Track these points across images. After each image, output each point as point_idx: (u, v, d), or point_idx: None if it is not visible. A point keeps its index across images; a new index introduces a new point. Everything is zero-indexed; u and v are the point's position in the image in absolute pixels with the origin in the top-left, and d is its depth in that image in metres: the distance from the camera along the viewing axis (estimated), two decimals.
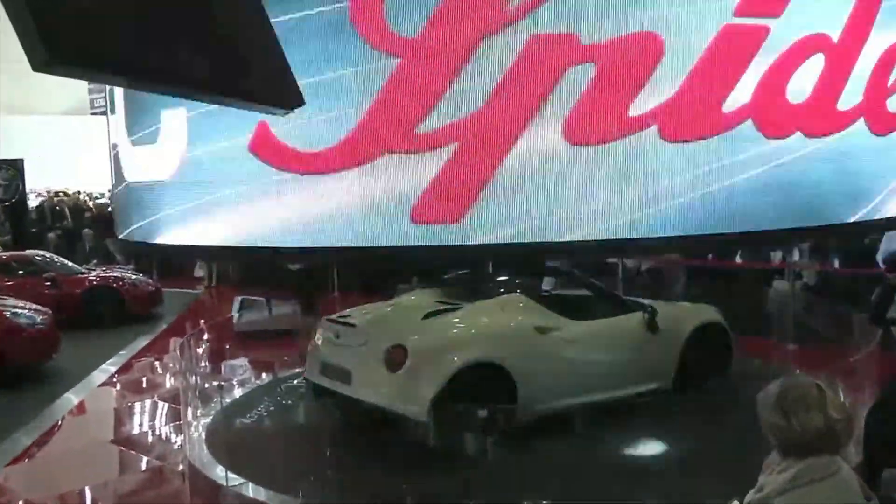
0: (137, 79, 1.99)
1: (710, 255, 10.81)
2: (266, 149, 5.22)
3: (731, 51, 5.10)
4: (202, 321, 12.37)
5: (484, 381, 6.10)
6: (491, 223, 5.01)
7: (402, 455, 6.03)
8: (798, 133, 5.42)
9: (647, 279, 11.12)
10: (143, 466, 6.95)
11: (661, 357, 7.24)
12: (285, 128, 5.11)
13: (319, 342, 6.94)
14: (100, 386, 9.51)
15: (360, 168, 5.01)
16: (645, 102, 4.98)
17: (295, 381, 8.26)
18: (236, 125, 5.29)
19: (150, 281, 14.15)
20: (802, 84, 5.39)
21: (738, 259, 10.36)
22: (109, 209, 17.81)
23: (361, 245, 5.10)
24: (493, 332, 6.47)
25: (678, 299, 9.82)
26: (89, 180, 26.85)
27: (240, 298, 12.27)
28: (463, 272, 7.91)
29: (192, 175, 5.66)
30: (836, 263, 10.49)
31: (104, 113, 7.45)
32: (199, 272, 17.36)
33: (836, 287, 10.26)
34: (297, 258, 8.57)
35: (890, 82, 5.91)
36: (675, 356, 7.30)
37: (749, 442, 2.98)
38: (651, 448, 6.40)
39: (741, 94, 5.17)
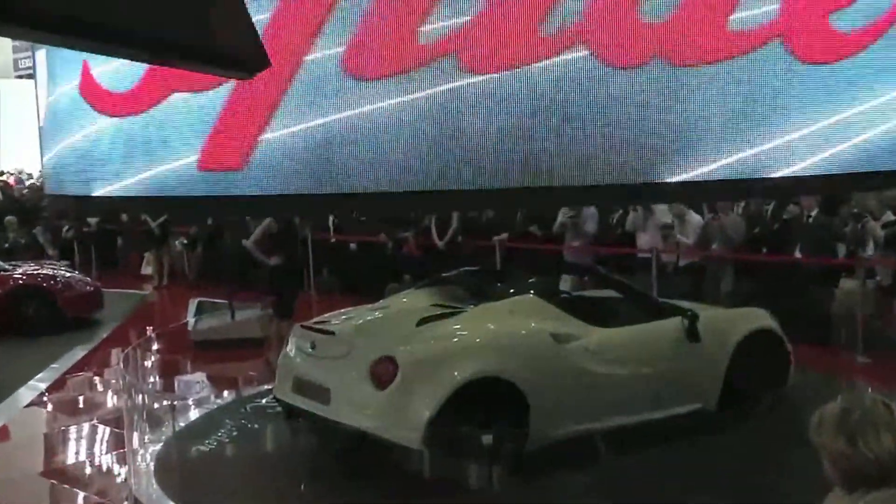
0: (81, 38, 2.00)
1: (763, 249, 10.83)
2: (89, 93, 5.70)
3: None
4: (151, 328, 12.41)
5: (489, 400, 6.12)
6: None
7: (392, 489, 6.05)
8: None
9: (686, 277, 11.14)
10: (80, 503, 6.97)
11: (702, 372, 7.26)
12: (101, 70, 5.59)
13: (292, 353, 6.95)
14: (27, 406, 9.52)
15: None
16: None
17: (263, 401, 8.28)
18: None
19: (89, 280, 14.16)
20: None
21: (797, 253, 10.37)
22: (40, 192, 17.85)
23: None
24: (501, 341, 6.49)
25: (724, 302, 9.84)
26: (13, 156, 26.84)
27: (196, 301, 12.29)
28: (466, 269, 7.93)
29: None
30: None
31: (31, 76, 7.52)
32: (147, 269, 17.40)
33: None
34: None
35: None
36: (720, 371, 7.32)
37: (811, 473, 3.00)
38: (689, 483, 6.42)
39: None
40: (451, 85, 5.35)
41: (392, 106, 5.35)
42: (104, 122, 6.20)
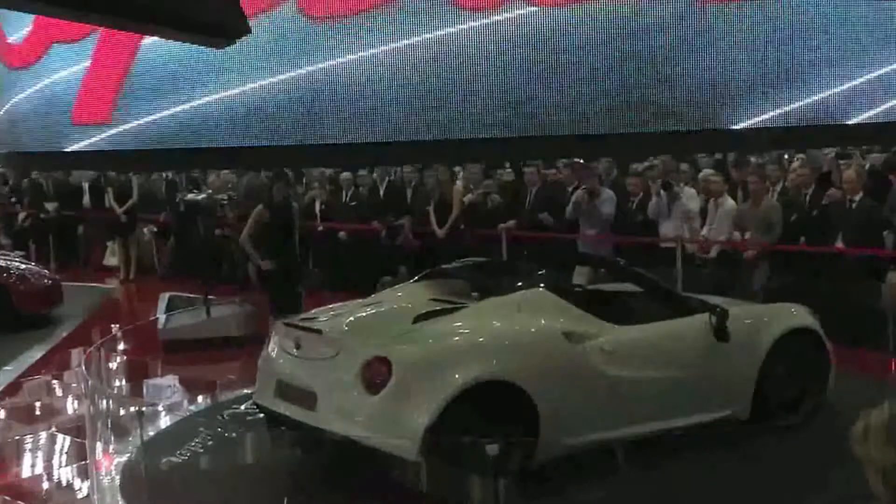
0: (66, 6, 2.01)
1: (801, 238, 10.83)
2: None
3: None
4: (116, 326, 12.42)
5: (494, 407, 6.13)
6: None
7: None
8: None
9: (715, 270, 11.15)
10: None
11: (733, 375, 7.28)
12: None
13: (274, 354, 6.97)
14: None
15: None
16: None
17: (242, 407, 8.30)
18: None
19: (46, 272, 14.17)
20: None
21: (838, 243, 10.37)
22: None
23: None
24: (507, 341, 6.51)
25: (758, 297, 9.86)
26: None
27: (167, 296, 12.30)
28: (468, 261, 7.94)
29: None
30: None
31: None
32: (112, 260, 17.38)
33: None
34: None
35: None
36: (753, 374, 7.34)
37: (856, 488, 3.00)
38: (716, 501, 6.43)
39: None
40: (437, 33, 5.43)
41: (374, 55, 5.44)
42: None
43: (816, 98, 5.97)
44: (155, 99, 7.14)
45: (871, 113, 6.11)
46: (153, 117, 6.28)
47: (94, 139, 7.83)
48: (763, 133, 5.89)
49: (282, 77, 5.75)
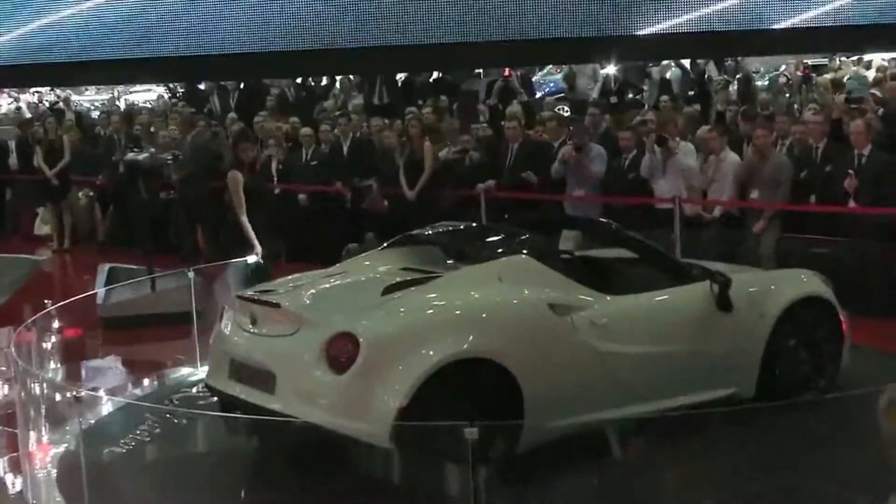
0: None
1: (812, 198, 10.88)
2: None
3: None
4: (49, 302, 12.35)
5: (473, 387, 6.16)
6: None
7: (353, 496, 6.10)
8: None
9: (717, 232, 11.20)
10: None
11: (736, 349, 7.34)
12: None
13: (228, 331, 6.97)
14: None
15: None
16: None
17: (193, 390, 8.30)
18: None
19: None
20: None
21: (851, 203, 10.42)
22: None
23: None
24: (487, 314, 6.54)
25: (765, 263, 9.91)
26: None
27: (106, 267, 12.27)
28: (443, 225, 7.93)
29: None
30: None
31: None
32: (44, 228, 17.27)
33: None
34: None
35: None
36: (758, 347, 7.40)
37: (873, 474, 3.04)
38: (719, 485, 6.49)
39: None
40: None
41: None
42: None
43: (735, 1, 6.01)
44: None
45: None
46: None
47: None
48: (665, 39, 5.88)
49: None
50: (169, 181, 14.26)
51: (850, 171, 10.32)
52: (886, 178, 10.32)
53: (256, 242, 9.76)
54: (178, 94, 23.32)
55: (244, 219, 9.75)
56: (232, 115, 17.83)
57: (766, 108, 14.05)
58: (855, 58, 20.92)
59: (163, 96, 26.31)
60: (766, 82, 21.32)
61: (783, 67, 21.72)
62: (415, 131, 13.35)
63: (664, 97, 16.02)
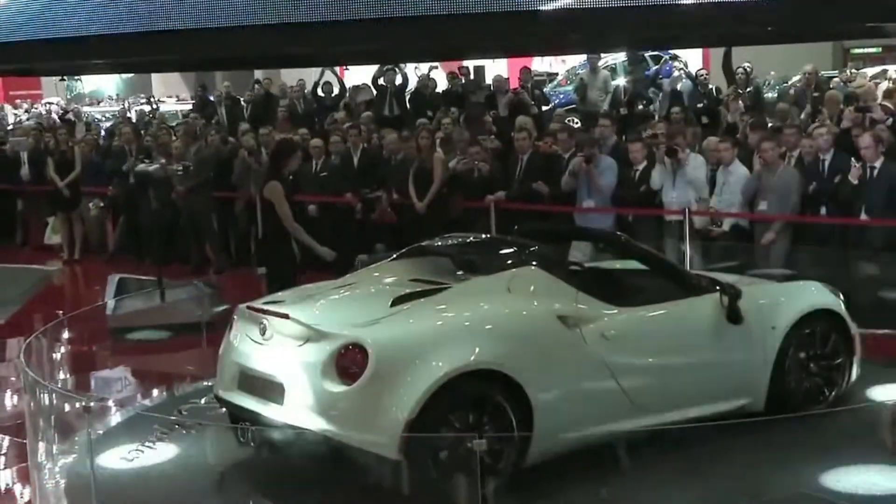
0: None
1: (823, 209, 10.87)
2: None
3: None
4: (59, 312, 12.38)
5: (482, 399, 6.17)
6: None
7: None
8: None
9: (727, 244, 11.19)
10: None
11: (746, 361, 7.32)
12: None
13: (236, 342, 6.96)
14: None
15: None
16: None
17: (201, 401, 8.30)
18: None
19: None
20: None
21: (863, 215, 10.40)
22: None
23: None
24: (496, 325, 6.52)
25: (775, 275, 9.88)
26: None
27: (116, 278, 12.26)
28: (453, 237, 7.93)
29: None
30: None
31: None
32: (54, 238, 17.30)
33: None
34: None
35: None
36: (769, 360, 7.38)
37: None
38: (731, 498, 6.47)
39: None
40: None
41: None
42: None
43: None
44: None
45: None
46: None
47: None
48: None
49: None
50: (177, 191, 14.30)
51: (856, 165, 10.33)
52: None
53: (317, 245, 9.72)
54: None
55: (296, 226, 9.67)
56: (244, 125, 17.81)
57: (783, 119, 14.03)
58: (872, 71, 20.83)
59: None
60: (776, 94, 21.24)
61: (795, 78, 21.66)
62: (425, 142, 13.36)
63: (675, 108, 16.00)
